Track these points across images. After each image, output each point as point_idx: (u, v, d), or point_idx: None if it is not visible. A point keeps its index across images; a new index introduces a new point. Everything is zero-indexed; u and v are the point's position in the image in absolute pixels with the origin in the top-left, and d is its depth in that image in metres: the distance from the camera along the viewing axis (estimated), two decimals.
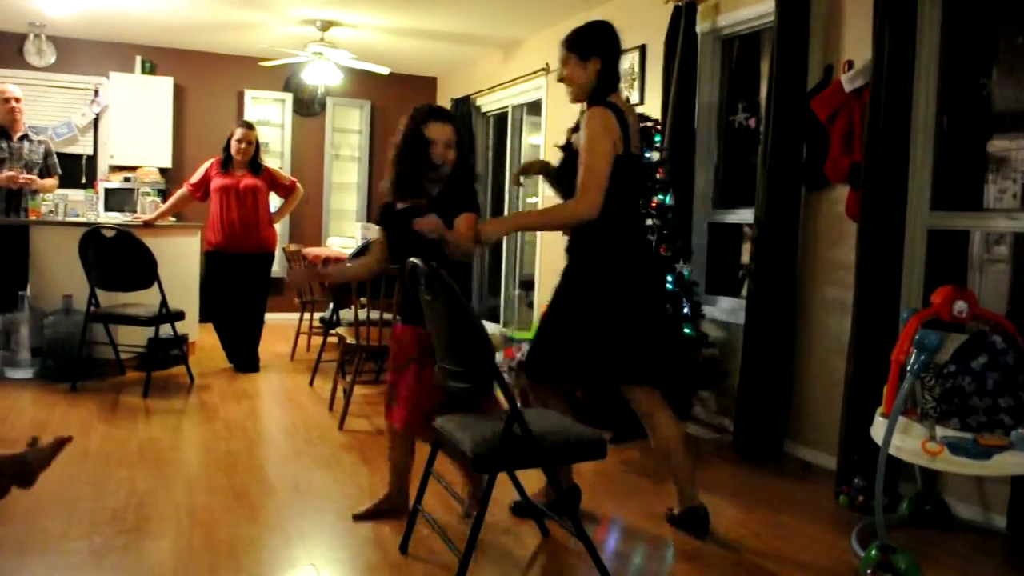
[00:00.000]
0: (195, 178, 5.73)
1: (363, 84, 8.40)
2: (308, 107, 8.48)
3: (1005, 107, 3.88)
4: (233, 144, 5.59)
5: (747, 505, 3.40)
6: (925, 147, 3.58)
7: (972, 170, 3.91)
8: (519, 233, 7.06)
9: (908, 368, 2.71)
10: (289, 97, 8.33)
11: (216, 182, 5.60)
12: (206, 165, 5.73)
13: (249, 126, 5.69)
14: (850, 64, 3.85)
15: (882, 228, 3.52)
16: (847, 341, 3.66)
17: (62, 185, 6.02)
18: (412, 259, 2.51)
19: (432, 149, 2.88)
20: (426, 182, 2.93)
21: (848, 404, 3.60)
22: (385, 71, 7.17)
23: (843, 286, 3.85)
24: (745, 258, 4.88)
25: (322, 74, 6.96)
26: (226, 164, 5.63)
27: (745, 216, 4.62)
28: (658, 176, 4.36)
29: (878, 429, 2.87)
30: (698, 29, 4.76)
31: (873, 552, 2.68)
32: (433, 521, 2.84)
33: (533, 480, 3.06)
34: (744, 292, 4.40)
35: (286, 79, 8.24)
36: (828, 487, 3.62)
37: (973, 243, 4.14)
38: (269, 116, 8.29)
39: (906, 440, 2.71)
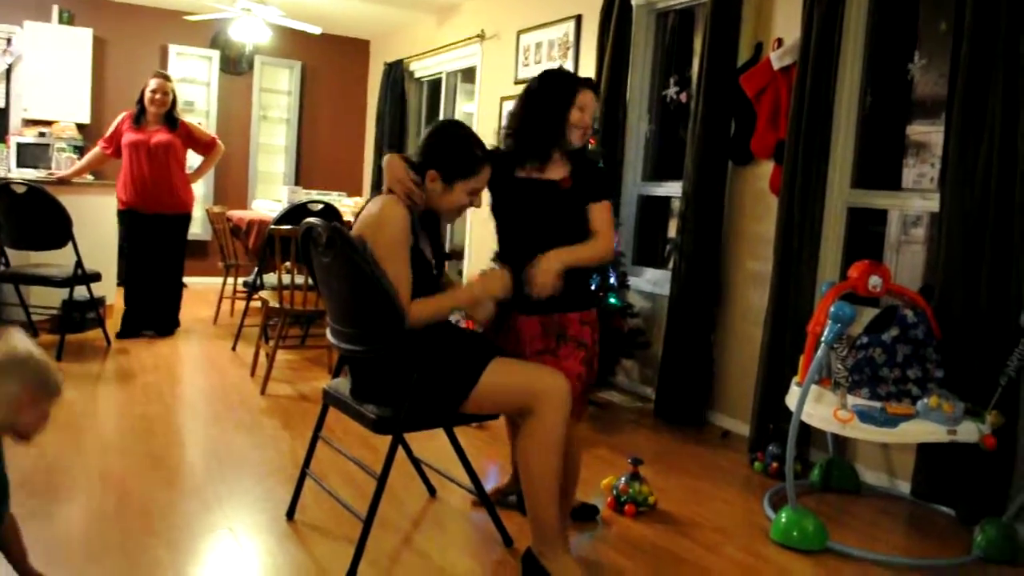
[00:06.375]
0: (108, 133, 5.46)
1: (294, 44, 8.19)
2: (236, 65, 8.22)
3: (926, 93, 4.00)
4: (147, 95, 5.28)
5: (666, 471, 3.47)
6: (848, 127, 3.67)
7: (892, 152, 4.03)
8: None
9: (823, 339, 2.80)
10: (216, 54, 8.05)
11: (127, 137, 5.31)
12: (118, 119, 5.44)
13: (165, 76, 5.36)
14: (780, 42, 3.91)
15: (802, 204, 3.61)
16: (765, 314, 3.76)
17: None
18: (310, 220, 2.39)
19: (573, 118, 2.59)
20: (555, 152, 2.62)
21: (764, 374, 3.70)
22: (317, 31, 6.99)
23: (765, 260, 3.94)
24: (673, 231, 4.95)
25: (251, 31, 6.75)
26: (139, 118, 5.33)
27: (674, 189, 4.67)
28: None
29: (792, 397, 2.96)
30: (633, 1, 4.77)
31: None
32: (323, 483, 2.81)
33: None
34: (670, 264, 4.47)
35: (213, 35, 7.97)
36: (745, 454, 3.72)
37: (891, 224, 4.28)
38: (195, 73, 8.01)
39: (818, 408, 2.81)
